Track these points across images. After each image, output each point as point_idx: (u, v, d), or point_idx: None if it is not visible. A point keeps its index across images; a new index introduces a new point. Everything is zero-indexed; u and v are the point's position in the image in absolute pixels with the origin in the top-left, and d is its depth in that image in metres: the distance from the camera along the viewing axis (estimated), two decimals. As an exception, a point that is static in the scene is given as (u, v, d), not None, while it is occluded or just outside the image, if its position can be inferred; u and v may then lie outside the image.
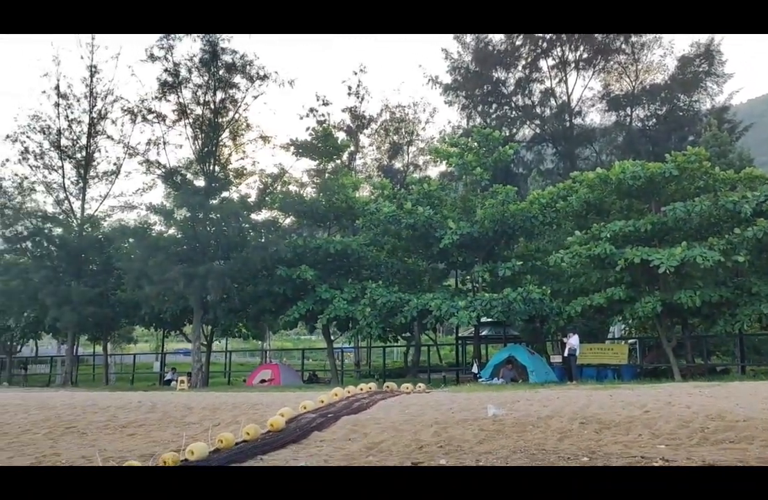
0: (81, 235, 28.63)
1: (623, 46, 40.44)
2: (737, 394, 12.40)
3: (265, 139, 26.68)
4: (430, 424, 9.96)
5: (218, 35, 25.08)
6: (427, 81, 41.90)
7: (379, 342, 29.69)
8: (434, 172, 43.43)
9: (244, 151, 26.97)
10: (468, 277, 26.60)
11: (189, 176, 26.32)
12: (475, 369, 23.07)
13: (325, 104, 36.81)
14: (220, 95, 25.85)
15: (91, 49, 28.99)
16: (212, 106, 25.74)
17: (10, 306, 28.23)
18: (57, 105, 28.74)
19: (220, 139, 26.13)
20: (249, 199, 26.51)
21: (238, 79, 25.85)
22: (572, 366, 20.92)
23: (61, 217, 29.24)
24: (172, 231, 27.01)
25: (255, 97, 26.11)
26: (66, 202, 29.32)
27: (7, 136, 28.29)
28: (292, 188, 27.92)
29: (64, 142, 28.88)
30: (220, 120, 25.97)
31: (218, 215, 25.27)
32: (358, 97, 40.52)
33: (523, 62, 41.82)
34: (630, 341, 27.92)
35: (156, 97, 25.85)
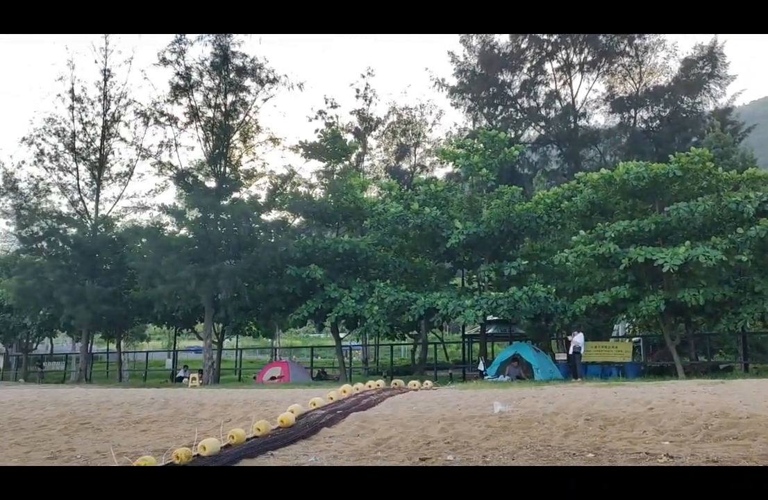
0: (95, 235, 28.72)
1: (627, 49, 40.33)
2: (740, 391, 12.33)
3: (274, 141, 26.77)
4: (437, 421, 9.95)
5: (229, 39, 25.18)
6: (434, 84, 41.91)
7: (387, 340, 29.72)
8: (441, 173, 43.44)
9: (254, 153, 27.07)
10: (474, 276, 26.56)
11: (200, 177, 26.40)
12: (481, 367, 23.03)
13: (334, 107, 36.87)
14: (230, 98, 25.94)
15: (105, 54, 29.07)
16: (223, 109, 25.80)
17: (27, 304, 28.34)
18: (72, 108, 28.83)
19: (230, 141, 26.19)
20: (259, 200, 26.54)
21: (248, 82, 25.95)
22: (577, 363, 20.88)
23: (75, 217, 29.33)
24: (183, 231, 27.08)
25: (265, 100, 26.23)
26: (80, 202, 29.41)
27: (23, 139, 28.40)
28: (302, 189, 28.00)
29: (78, 144, 28.98)
30: (230, 122, 26.02)
31: (229, 216, 25.33)
32: (366, 100, 40.55)
33: (528, 65, 41.76)
34: (634, 339, 27.80)
35: (168, 100, 25.99)
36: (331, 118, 37.12)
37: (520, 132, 42.74)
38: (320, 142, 27.03)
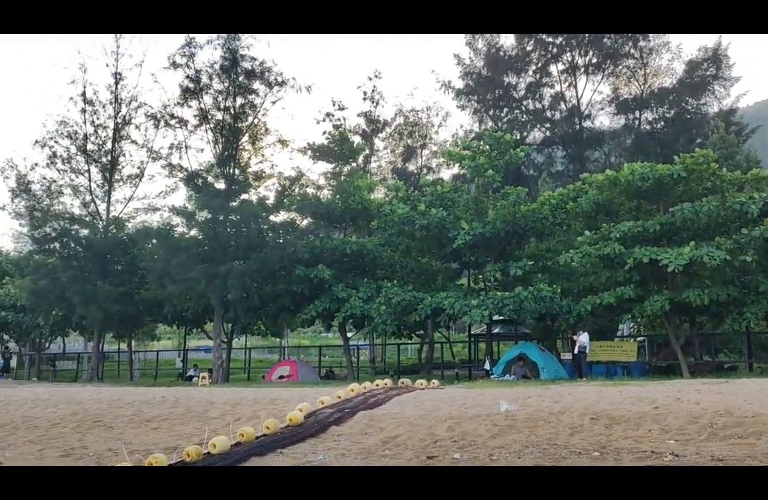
0: (106, 236, 28.82)
1: (632, 51, 40.21)
2: (745, 391, 12.27)
3: (283, 143, 26.76)
4: (444, 419, 9.93)
5: (238, 43, 25.23)
6: (440, 86, 41.87)
7: (394, 340, 29.69)
8: (447, 174, 43.36)
9: (263, 155, 27.08)
10: (480, 276, 26.53)
11: (210, 179, 26.46)
12: (487, 366, 23.01)
13: (341, 109, 36.86)
14: (239, 101, 25.95)
15: (116, 57, 29.17)
16: (232, 112, 25.85)
17: (39, 304, 28.44)
18: (83, 111, 28.91)
19: (239, 143, 26.23)
20: (268, 201, 26.58)
21: (257, 85, 25.96)
22: (582, 363, 20.82)
23: (87, 218, 29.43)
24: (193, 232, 27.13)
25: (273, 103, 26.23)
26: (92, 204, 29.50)
27: (36, 141, 28.51)
28: (310, 190, 27.97)
29: (90, 146, 29.05)
30: (239, 125, 26.07)
31: (238, 217, 25.37)
32: (373, 102, 40.54)
33: (534, 67, 41.67)
34: (639, 339, 27.73)
35: (178, 103, 26.04)
36: (339, 120, 37.11)
37: (525, 133, 42.65)
38: (328, 144, 27.05)
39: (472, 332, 31.07)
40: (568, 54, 41.09)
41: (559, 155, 43.84)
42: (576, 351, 21.09)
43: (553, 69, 41.70)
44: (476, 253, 24.98)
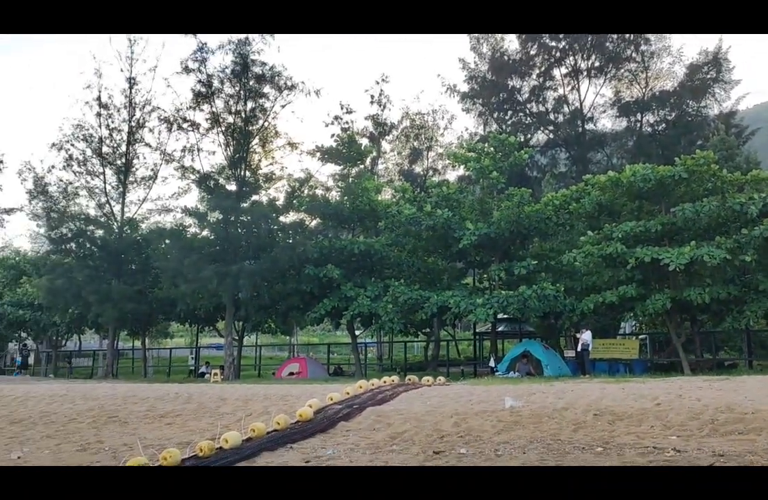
0: (121, 236, 28.94)
1: (633, 55, 40.01)
2: (745, 388, 12.24)
3: (292, 145, 26.81)
4: (450, 415, 9.93)
5: (249, 48, 25.29)
6: (446, 90, 41.80)
7: (401, 338, 29.71)
8: (453, 176, 43.22)
9: (273, 157, 27.17)
10: (485, 276, 26.50)
11: (221, 181, 26.53)
12: (492, 363, 22.98)
13: (349, 112, 36.82)
14: (250, 104, 26.03)
15: (130, 62, 29.28)
16: (243, 115, 25.91)
17: (56, 303, 28.58)
18: (99, 115, 29.05)
19: (250, 145, 26.30)
20: (278, 202, 26.66)
21: (267, 89, 26.04)
22: (585, 360, 20.77)
23: (102, 219, 29.55)
24: (205, 232, 27.22)
25: (283, 106, 26.29)
26: (107, 205, 29.63)
27: (53, 144, 28.66)
28: (318, 192, 28.00)
29: (105, 149, 29.19)
30: (250, 128, 26.13)
31: (249, 217, 25.45)
32: (380, 105, 40.49)
33: (537, 71, 41.52)
34: (641, 337, 27.65)
35: (190, 107, 26.19)
36: (347, 123, 37.08)
37: (529, 136, 42.53)
38: (336, 147, 27.08)
39: (477, 330, 31.00)
40: (571, 58, 40.94)
41: (563, 157, 43.69)
42: (579, 348, 21.05)
43: (557, 73, 41.56)
44: (481, 253, 24.96)
